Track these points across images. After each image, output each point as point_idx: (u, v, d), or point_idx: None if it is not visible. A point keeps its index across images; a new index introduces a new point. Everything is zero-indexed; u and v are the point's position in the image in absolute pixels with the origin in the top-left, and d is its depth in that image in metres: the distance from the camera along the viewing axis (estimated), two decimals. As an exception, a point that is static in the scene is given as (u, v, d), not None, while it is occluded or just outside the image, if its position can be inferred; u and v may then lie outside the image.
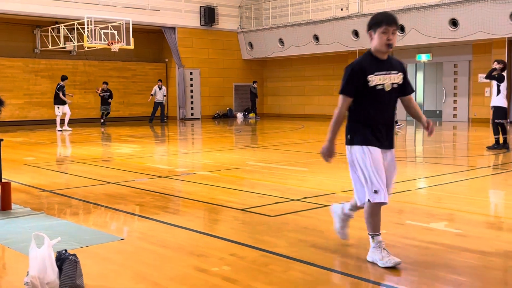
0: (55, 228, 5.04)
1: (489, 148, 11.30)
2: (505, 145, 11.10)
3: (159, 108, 23.75)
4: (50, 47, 22.50)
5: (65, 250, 3.53)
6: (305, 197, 6.43)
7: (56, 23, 22.39)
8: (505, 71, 11.27)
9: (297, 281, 3.63)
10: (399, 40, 21.16)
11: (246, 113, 26.98)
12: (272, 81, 28.46)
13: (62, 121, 18.45)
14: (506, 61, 11.51)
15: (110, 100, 21.76)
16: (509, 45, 19.65)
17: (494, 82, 11.12)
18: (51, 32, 22.43)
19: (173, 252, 4.35)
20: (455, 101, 22.15)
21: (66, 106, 18.46)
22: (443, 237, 4.67)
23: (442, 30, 19.93)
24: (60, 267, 3.36)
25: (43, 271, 3.28)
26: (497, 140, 11.23)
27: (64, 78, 18.63)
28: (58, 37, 22.32)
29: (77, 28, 20.87)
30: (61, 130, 17.98)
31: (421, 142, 14.76)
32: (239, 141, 15.62)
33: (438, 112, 23.47)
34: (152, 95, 23.63)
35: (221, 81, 27.27)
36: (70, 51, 23.65)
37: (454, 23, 19.58)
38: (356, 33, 22.51)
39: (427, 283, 3.62)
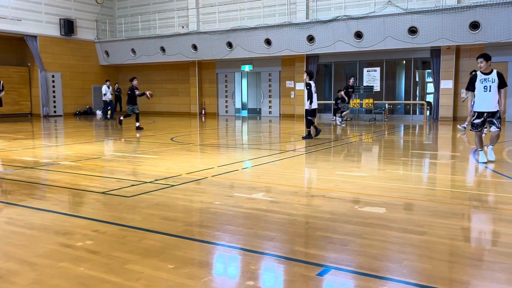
0: None
1: (304, 137, 11.78)
2: (309, 136, 11.72)
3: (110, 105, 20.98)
4: None
5: None
6: (156, 180, 6.34)
7: None
8: (312, 79, 11.50)
9: (150, 247, 3.60)
10: (228, 54, 21.75)
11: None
12: (127, 84, 27.25)
13: None
14: (310, 70, 11.87)
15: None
16: (307, 60, 21.33)
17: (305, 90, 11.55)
18: None
19: (40, 232, 4.01)
20: (270, 101, 23.42)
21: None
22: (261, 204, 4.96)
23: (259, 47, 20.88)
24: None
25: None
26: (309, 132, 11.80)
27: None
28: None
29: None
30: None
31: (246, 132, 15.35)
32: (98, 134, 14.77)
33: (258, 109, 24.61)
34: (104, 94, 20.90)
35: (81, 83, 25.48)
36: None
37: (268, 42, 20.63)
38: (195, 47, 22.57)
39: (249, 239, 3.84)
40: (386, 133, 13.95)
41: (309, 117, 11.58)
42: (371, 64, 20.63)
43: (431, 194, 5.56)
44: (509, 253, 3.44)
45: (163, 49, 23.55)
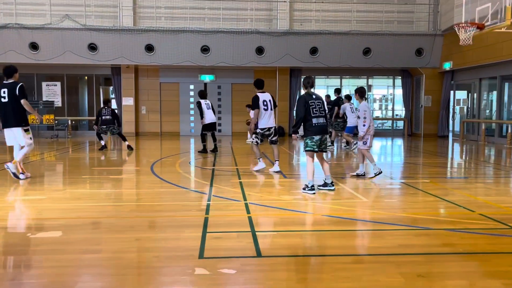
0: None
1: (199, 152, 12.37)
2: (214, 150, 12.50)
3: None
4: None
5: None
6: None
7: None
8: (204, 98, 12.24)
9: None
10: None
11: None
12: None
13: None
14: None
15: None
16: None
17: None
18: None
19: None
20: None
21: None
22: None
23: None
24: None
25: None
26: (204, 146, 12.31)
27: None
28: None
29: None
30: None
31: None
32: None
33: None
34: None
35: None
36: None
37: None
38: None
39: None
40: (70, 150, 13.50)
41: (203, 132, 12.32)
42: (51, 78, 19.58)
43: (110, 210, 5.69)
44: (172, 256, 3.90)
45: None
